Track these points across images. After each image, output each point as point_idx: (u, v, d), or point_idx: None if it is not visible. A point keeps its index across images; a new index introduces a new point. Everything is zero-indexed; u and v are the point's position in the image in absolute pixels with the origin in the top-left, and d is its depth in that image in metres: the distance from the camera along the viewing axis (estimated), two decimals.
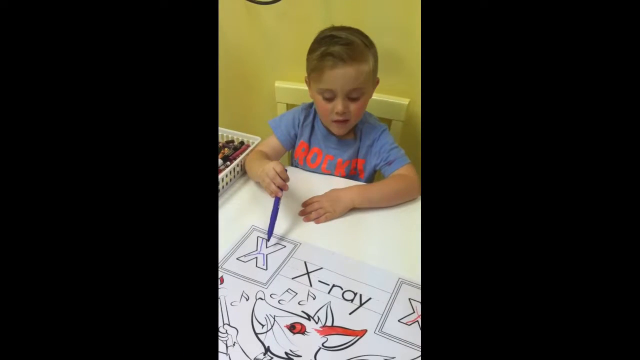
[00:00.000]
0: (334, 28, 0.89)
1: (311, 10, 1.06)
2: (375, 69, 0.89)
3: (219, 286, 0.70)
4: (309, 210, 0.84)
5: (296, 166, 1.00)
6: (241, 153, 0.95)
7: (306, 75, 0.92)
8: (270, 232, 0.78)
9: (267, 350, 0.61)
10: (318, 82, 0.87)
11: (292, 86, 1.15)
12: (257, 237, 0.80)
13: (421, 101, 0.38)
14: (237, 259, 0.75)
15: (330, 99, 0.87)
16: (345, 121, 0.89)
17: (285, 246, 0.78)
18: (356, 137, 0.95)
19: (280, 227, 0.81)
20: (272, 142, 0.97)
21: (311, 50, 0.88)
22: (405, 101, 1.07)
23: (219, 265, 0.74)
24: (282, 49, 1.15)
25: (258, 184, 0.89)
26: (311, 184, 0.91)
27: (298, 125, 0.97)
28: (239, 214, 0.85)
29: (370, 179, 0.99)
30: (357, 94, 0.86)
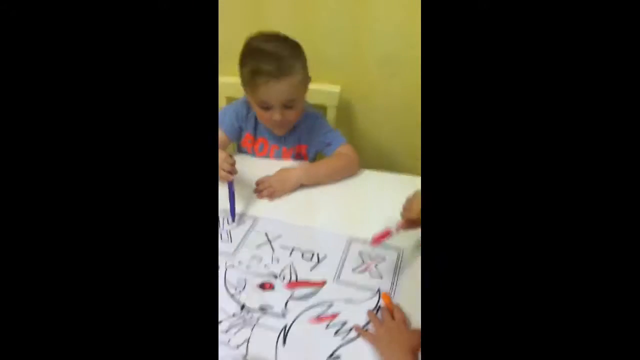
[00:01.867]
0: (262, 37, 0.93)
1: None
2: (305, 75, 0.94)
3: None
4: (261, 189, 0.93)
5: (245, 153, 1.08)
6: None
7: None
8: (232, 212, 0.86)
9: (242, 306, 0.70)
10: (253, 94, 0.93)
11: (232, 81, 1.23)
12: (222, 217, 0.87)
13: (421, 103, 0.41)
14: None
15: (267, 108, 0.93)
16: (284, 124, 0.98)
17: (245, 221, 0.87)
18: (297, 126, 1.05)
19: (239, 206, 0.89)
20: (219, 136, 1.03)
21: (241, 64, 0.92)
22: (337, 88, 1.19)
23: None
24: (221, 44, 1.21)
25: None
26: (262, 166, 1.00)
27: (242, 119, 1.04)
28: None
29: (312, 160, 1.10)
30: (292, 102, 0.93)
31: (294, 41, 0.94)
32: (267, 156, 1.06)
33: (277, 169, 0.97)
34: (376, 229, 0.77)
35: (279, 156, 1.06)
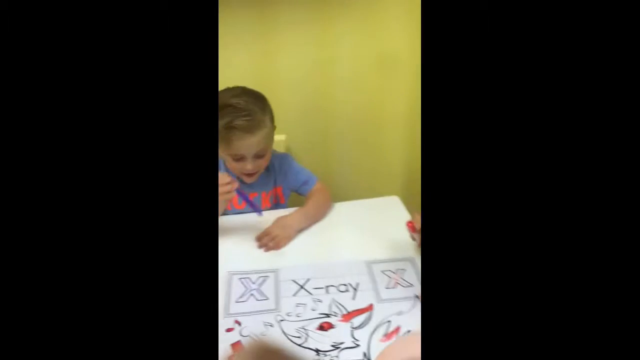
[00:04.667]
0: (230, 92, 0.98)
1: None
2: (273, 126, 1.03)
3: (240, 327, 0.76)
4: (266, 242, 0.95)
5: (226, 213, 1.08)
6: None
7: None
8: (257, 209, 0.97)
9: (317, 351, 0.72)
10: (226, 149, 0.97)
11: None
12: (239, 279, 0.87)
13: (421, 104, 0.41)
14: (236, 302, 0.82)
15: (239, 160, 0.99)
16: (255, 173, 1.03)
17: (268, 276, 0.88)
18: (269, 170, 1.10)
19: (252, 264, 0.90)
20: None
21: None
22: (282, 137, 1.26)
23: (227, 314, 0.79)
24: None
25: None
26: (251, 222, 1.02)
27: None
28: None
29: (287, 201, 1.15)
30: (263, 152, 1.00)
31: (261, 94, 1.01)
32: (247, 207, 1.08)
33: (261, 222, 1.00)
34: (376, 247, 0.90)
35: (258, 202, 1.09)
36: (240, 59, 1.22)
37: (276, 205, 1.12)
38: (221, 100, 0.97)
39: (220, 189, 0.89)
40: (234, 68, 1.20)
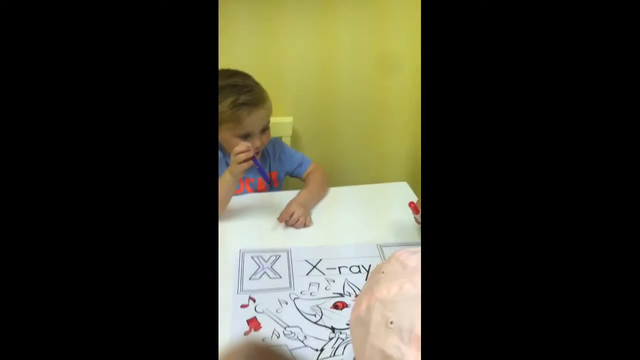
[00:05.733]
0: (223, 74, 0.99)
1: None
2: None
3: (254, 304, 0.76)
4: (293, 221, 0.95)
5: None
6: None
7: None
8: (266, 177, 0.99)
9: (333, 329, 0.73)
10: (235, 129, 0.98)
11: None
12: (251, 257, 0.87)
13: (421, 106, 0.41)
14: (249, 279, 0.82)
15: (246, 137, 0.99)
16: (259, 150, 1.04)
17: (280, 255, 0.88)
18: (264, 155, 1.10)
19: (265, 244, 0.90)
20: None
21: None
22: (289, 119, 1.26)
23: (241, 290, 0.79)
24: None
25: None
26: (247, 204, 1.02)
27: (221, 165, 1.05)
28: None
29: (281, 185, 1.15)
30: (267, 125, 1.02)
31: (247, 73, 1.02)
32: (244, 191, 1.08)
33: (263, 204, 1.02)
34: (385, 231, 0.92)
35: (254, 188, 1.09)
36: (247, 42, 1.20)
37: (271, 189, 1.12)
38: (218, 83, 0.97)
39: (237, 157, 0.89)
40: (240, 51, 1.18)
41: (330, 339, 0.71)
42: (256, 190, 1.09)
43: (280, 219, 0.96)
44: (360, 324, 0.41)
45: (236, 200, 0.99)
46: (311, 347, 0.69)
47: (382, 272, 0.44)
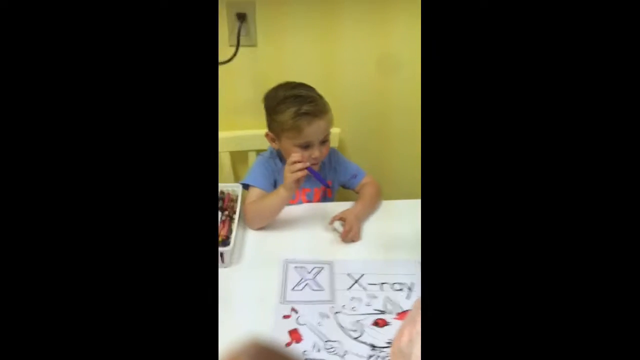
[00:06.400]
0: (286, 86, 1.02)
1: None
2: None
3: (297, 315, 0.78)
4: (354, 233, 0.96)
5: None
6: (230, 201, 1.00)
7: (268, 132, 1.04)
8: (324, 182, 1.01)
9: (373, 346, 0.73)
10: (295, 138, 0.99)
11: (230, 135, 1.23)
12: (294, 267, 0.89)
13: (421, 106, 0.41)
14: (292, 289, 0.83)
15: (306, 148, 1.00)
16: (319, 161, 1.04)
17: (323, 267, 0.89)
18: (320, 166, 1.10)
19: (307, 254, 0.92)
20: (258, 193, 1.04)
21: (277, 111, 0.99)
22: (337, 130, 1.27)
23: (284, 300, 0.81)
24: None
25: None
26: (299, 214, 1.04)
27: (276, 172, 1.07)
28: (265, 257, 0.92)
29: (334, 196, 1.16)
30: (327, 137, 1.03)
31: (310, 86, 1.04)
32: (300, 202, 1.09)
33: (313, 214, 1.03)
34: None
35: (310, 198, 1.10)
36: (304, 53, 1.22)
37: (324, 199, 1.13)
38: (280, 94, 1.00)
39: (292, 167, 0.91)
40: (299, 61, 1.21)
41: (370, 356, 0.71)
42: (312, 201, 1.11)
43: (331, 223, 0.97)
44: (401, 357, 0.41)
45: (289, 210, 1.01)
46: None
47: None
